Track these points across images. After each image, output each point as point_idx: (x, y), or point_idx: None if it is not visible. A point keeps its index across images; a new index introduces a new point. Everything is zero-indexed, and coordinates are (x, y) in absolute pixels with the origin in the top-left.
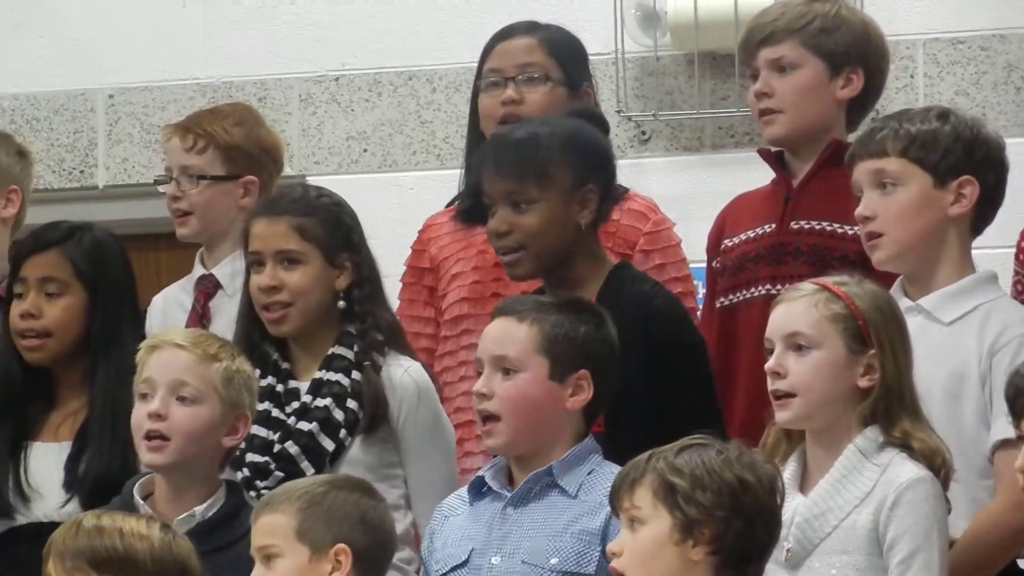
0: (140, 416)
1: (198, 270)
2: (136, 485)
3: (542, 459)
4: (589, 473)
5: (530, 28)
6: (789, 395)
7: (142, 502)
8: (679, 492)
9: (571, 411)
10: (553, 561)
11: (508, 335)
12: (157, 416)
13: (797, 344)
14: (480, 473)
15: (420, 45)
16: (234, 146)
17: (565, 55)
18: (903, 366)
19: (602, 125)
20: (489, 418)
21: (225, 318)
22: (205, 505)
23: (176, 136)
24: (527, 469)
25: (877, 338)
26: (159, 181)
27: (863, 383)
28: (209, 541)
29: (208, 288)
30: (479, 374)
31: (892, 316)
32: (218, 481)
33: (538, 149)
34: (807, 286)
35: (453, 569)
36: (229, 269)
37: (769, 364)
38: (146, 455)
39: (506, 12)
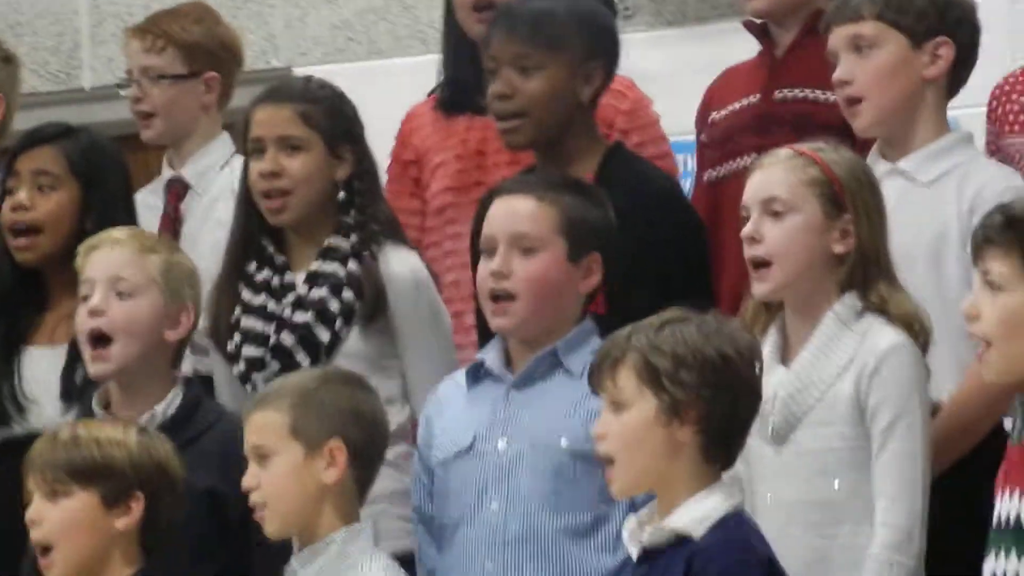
0: (82, 316)
1: (166, 172)
2: (95, 396)
3: (543, 342)
4: (591, 353)
5: None
6: (765, 263)
7: (102, 412)
8: (663, 373)
9: (582, 294)
10: (564, 442)
11: (527, 213)
12: (96, 312)
13: (774, 210)
14: (479, 356)
15: None
16: (193, 44)
17: None
18: (878, 232)
19: (611, 7)
20: (502, 297)
21: (196, 218)
22: (164, 404)
23: (135, 38)
24: (528, 352)
25: (853, 203)
26: (121, 85)
27: (839, 248)
28: (172, 438)
29: (178, 189)
30: (484, 254)
31: (868, 182)
32: (173, 378)
33: (554, 17)
34: (784, 152)
35: (457, 455)
36: (198, 168)
37: (745, 230)
38: (92, 367)
39: None
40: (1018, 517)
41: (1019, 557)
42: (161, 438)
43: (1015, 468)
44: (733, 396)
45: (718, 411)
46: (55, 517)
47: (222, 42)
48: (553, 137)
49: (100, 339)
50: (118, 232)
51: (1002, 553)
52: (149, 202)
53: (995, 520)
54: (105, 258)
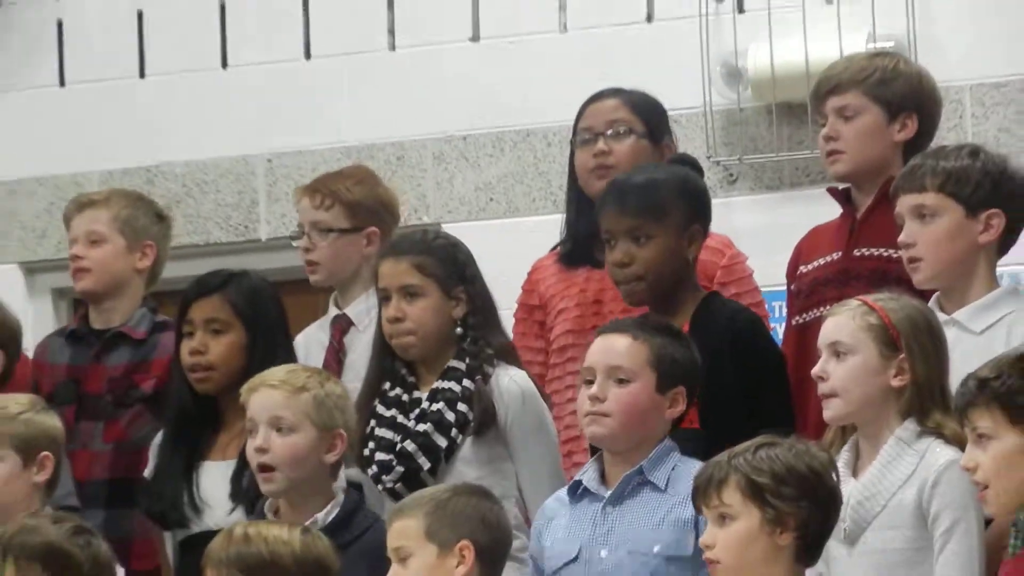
0: (249, 451)
1: (332, 311)
2: (266, 504)
3: (632, 459)
4: (673, 468)
5: (616, 91)
6: (832, 395)
7: (272, 515)
8: (765, 489)
9: (668, 420)
10: (656, 548)
11: (622, 349)
12: (261, 450)
13: (838, 351)
14: (577, 477)
15: (536, 106)
16: (356, 202)
17: (647, 112)
18: (933, 367)
19: (698, 170)
20: (598, 414)
21: (358, 350)
22: (324, 512)
23: (306, 196)
24: (619, 469)
25: (907, 344)
26: (293, 237)
27: (895, 383)
28: (332, 541)
29: (343, 325)
30: (585, 383)
31: (924, 325)
32: (332, 491)
33: (658, 190)
34: (852, 302)
35: (567, 564)
36: (360, 308)
37: (814, 370)
38: (262, 486)
39: (607, 78)
40: None
41: None
42: (321, 537)
43: None
44: (824, 505)
45: (814, 519)
46: None
47: (382, 201)
48: (665, 294)
49: (266, 468)
50: (273, 375)
51: None
52: (318, 336)
53: None
54: (264, 400)
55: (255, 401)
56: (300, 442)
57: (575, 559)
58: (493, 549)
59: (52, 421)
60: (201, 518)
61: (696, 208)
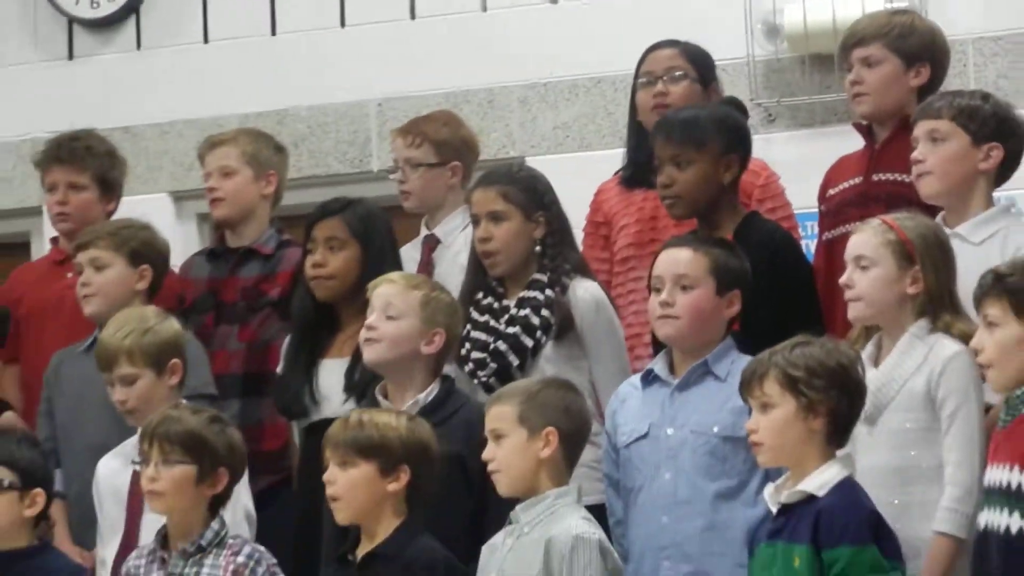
0: (363, 328)
1: (423, 231)
2: (377, 388)
3: (697, 354)
4: (732, 362)
5: (673, 42)
6: (856, 300)
7: (382, 398)
8: (800, 381)
9: (726, 319)
10: (715, 429)
11: (686, 259)
12: (371, 327)
13: (862, 264)
14: (650, 366)
15: (605, 58)
16: (442, 141)
17: (699, 60)
18: (943, 277)
19: (743, 110)
20: (669, 317)
21: (445, 264)
22: (423, 394)
23: (399, 136)
24: (687, 362)
25: (921, 257)
26: (389, 171)
27: (910, 291)
28: (431, 417)
29: (432, 244)
30: (654, 290)
31: (935, 240)
32: (433, 378)
33: (698, 124)
34: (874, 220)
35: (637, 439)
36: (447, 228)
37: (841, 279)
38: (365, 352)
39: (665, 33)
40: (1008, 483)
41: (1010, 513)
42: (424, 423)
43: (1000, 447)
44: (851, 394)
45: (842, 406)
46: (343, 480)
47: (464, 140)
48: (703, 211)
49: (371, 341)
50: (395, 275)
51: (994, 509)
52: (411, 254)
53: (987, 484)
54: (382, 291)
55: (376, 293)
56: (403, 326)
57: (645, 435)
58: (574, 435)
59: (173, 327)
60: (320, 409)
61: (732, 140)
